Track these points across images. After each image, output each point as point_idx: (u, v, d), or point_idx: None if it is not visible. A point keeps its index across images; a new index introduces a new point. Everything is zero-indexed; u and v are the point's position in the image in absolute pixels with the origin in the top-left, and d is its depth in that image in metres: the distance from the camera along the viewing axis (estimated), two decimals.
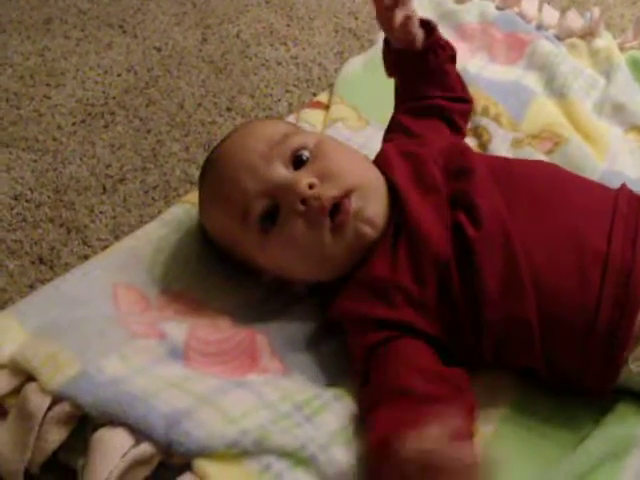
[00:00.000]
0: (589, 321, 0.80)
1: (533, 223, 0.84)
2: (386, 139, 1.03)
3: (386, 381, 0.79)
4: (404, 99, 1.06)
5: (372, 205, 0.86)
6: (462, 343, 0.83)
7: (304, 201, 0.83)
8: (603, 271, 0.80)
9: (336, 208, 0.84)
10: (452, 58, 1.07)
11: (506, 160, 1.04)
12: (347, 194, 0.84)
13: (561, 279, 0.81)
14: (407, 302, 0.83)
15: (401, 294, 0.83)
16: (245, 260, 0.91)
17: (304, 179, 0.84)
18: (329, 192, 0.84)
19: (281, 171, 0.86)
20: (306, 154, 0.87)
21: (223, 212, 0.89)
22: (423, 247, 0.84)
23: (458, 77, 1.08)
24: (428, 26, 1.03)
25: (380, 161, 0.94)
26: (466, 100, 1.08)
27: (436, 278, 0.83)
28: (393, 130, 1.04)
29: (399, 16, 0.97)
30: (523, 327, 0.81)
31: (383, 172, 0.91)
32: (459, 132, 1.05)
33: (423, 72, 1.03)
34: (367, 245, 0.86)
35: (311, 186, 0.84)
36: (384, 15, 0.99)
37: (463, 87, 1.08)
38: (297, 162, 0.87)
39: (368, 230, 0.85)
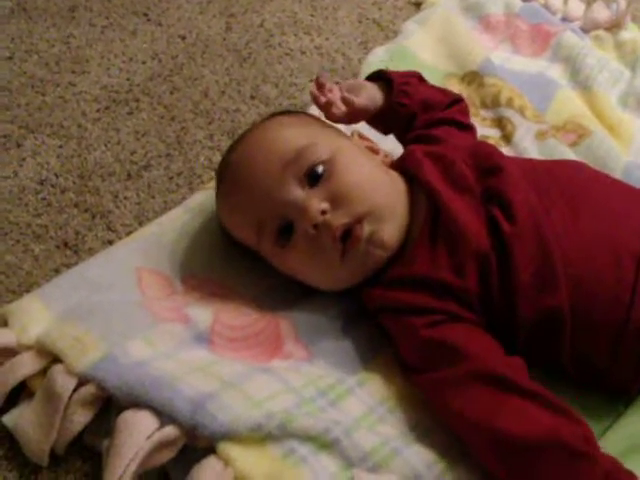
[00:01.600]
0: (622, 314, 0.80)
1: (566, 219, 0.84)
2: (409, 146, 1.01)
3: (473, 362, 0.78)
4: (406, 137, 1.04)
5: (386, 227, 0.86)
6: (497, 335, 0.83)
7: (316, 226, 0.84)
8: (637, 267, 0.80)
9: (348, 232, 0.84)
10: (418, 85, 1.05)
11: (534, 160, 1.04)
12: (359, 220, 0.84)
13: (595, 274, 0.81)
14: (450, 295, 0.83)
15: (444, 289, 0.83)
16: (263, 258, 0.92)
17: (316, 203, 0.84)
18: (340, 219, 0.84)
19: (294, 192, 0.85)
20: (320, 169, 0.86)
21: (239, 224, 0.91)
22: (462, 240, 0.84)
23: (436, 91, 1.07)
24: (381, 77, 1.03)
25: (407, 162, 0.93)
26: (457, 100, 1.07)
27: (477, 270, 0.83)
28: (406, 144, 1.02)
29: (335, 107, 0.96)
30: (555, 320, 0.81)
31: (411, 173, 0.91)
32: (470, 129, 1.05)
33: (408, 118, 1.02)
34: (380, 264, 0.87)
35: (323, 212, 0.84)
36: (331, 115, 0.97)
37: (445, 93, 1.07)
38: (311, 179, 0.86)
39: (380, 252, 0.86)
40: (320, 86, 0.97)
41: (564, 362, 0.83)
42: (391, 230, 0.86)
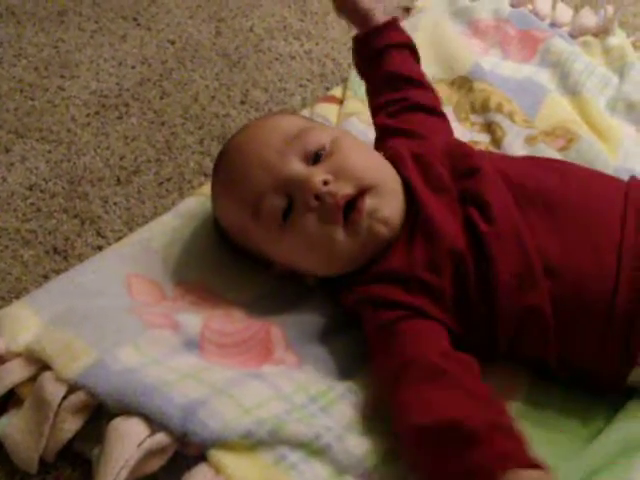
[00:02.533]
0: (606, 307, 0.80)
1: (544, 215, 0.85)
2: (379, 146, 1.02)
3: (414, 356, 0.78)
4: (378, 104, 1.06)
5: (388, 204, 0.86)
6: (477, 336, 0.83)
7: (318, 197, 0.83)
8: (618, 257, 0.81)
9: (350, 206, 0.84)
10: (406, 45, 1.07)
11: (510, 157, 1.05)
12: (362, 193, 0.85)
13: (576, 267, 0.81)
14: (423, 292, 0.83)
15: (418, 285, 0.83)
16: (256, 251, 0.91)
17: (318, 175, 0.84)
18: (344, 190, 0.84)
19: (295, 166, 0.86)
20: (322, 149, 0.87)
21: (235, 205, 0.89)
22: (438, 238, 0.84)
23: (414, 63, 1.08)
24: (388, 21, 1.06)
25: (392, 159, 0.94)
26: (429, 85, 1.08)
27: (452, 268, 0.83)
28: (384, 136, 1.03)
29: None
30: (537, 318, 0.81)
31: (398, 170, 0.91)
32: (441, 114, 1.06)
33: (378, 60, 1.05)
34: (381, 243, 0.86)
35: (326, 182, 0.84)
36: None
37: (422, 73, 1.08)
38: (313, 157, 0.87)
39: (383, 229, 0.85)
40: None
41: (550, 361, 0.83)
42: (393, 207, 0.86)
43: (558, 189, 0.87)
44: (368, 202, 0.85)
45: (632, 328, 0.80)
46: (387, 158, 0.94)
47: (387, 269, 0.85)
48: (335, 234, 0.84)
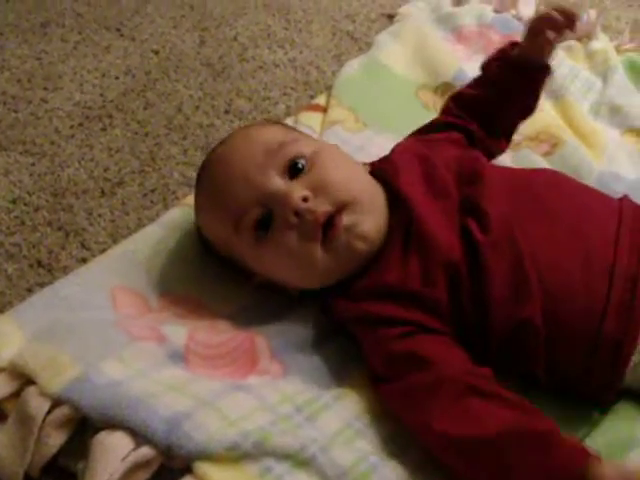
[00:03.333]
0: (595, 326, 0.80)
1: (541, 230, 0.84)
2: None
3: (442, 375, 0.78)
4: (464, 103, 1.03)
5: (366, 220, 0.86)
6: (469, 346, 0.83)
7: (297, 213, 0.83)
8: (610, 278, 0.81)
9: (329, 222, 0.84)
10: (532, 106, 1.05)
11: (513, 169, 1.04)
12: (340, 209, 0.84)
13: (568, 285, 0.81)
14: (418, 306, 0.83)
15: (412, 299, 0.83)
16: (239, 262, 0.91)
17: (298, 191, 0.84)
18: (323, 206, 0.84)
19: (275, 181, 0.85)
20: (302, 163, 0.87)
21: (217, 218, 0.89)
22: (433, 250, 0.84)
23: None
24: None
25: (386, 166, 0.94)
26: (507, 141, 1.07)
27: (446, 281, 0.83)
28: (425, 130, 1.03)
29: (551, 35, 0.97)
30: (528, 331, 0.81)
31: (388, 179, 0.91)
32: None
33: (522, 88, 1.02)
34: (360, 259, 0.86)
35: (305, 199, 0.83)
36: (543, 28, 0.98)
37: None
38: (292, 171, 0.86)
39: (360, 245, 0.85)
40: None
41: (538, 373, 0.83)
42: (371, 222, 0.86)
43: (557, 204, 0.88)
44: (345, 219, 0.84)
45: (620, 347, 0.80)
46: (381, 162, 0.94)
47: (382, 283, 0.85)
48: (314, 250, 0.84)
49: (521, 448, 0.72)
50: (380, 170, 0.93)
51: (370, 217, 0.86)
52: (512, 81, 1.01)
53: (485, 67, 1.05)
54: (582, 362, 0.81)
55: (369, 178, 0.91)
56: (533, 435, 0.72)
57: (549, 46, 1.00)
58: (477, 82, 1.05)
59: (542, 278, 0.81)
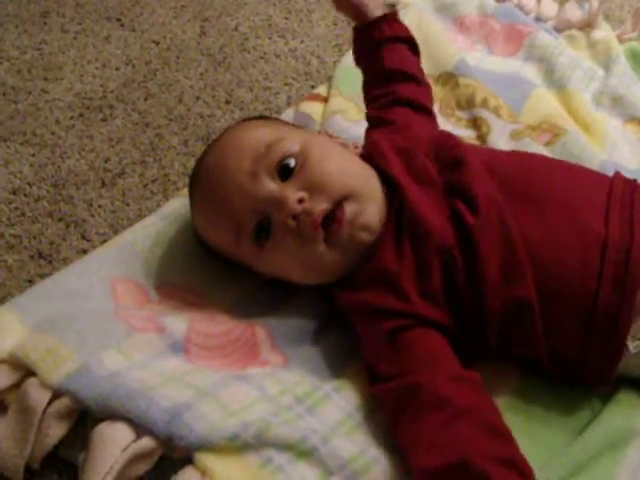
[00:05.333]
0: (590, 301, 0.80)
1: (530, 210, 0.84)
2: (366, 138, 1.02)
3: (423, 381, 0.77)
4: (370, 97, 1.08)
5: (367, 209, 0.85)
6: (468, 333, 0.83)
7: (295, 217, 0.83)
8: (602, 250, 0.81)
9: (329, 217, 0.83)
10: (405, 40, 1.08)
11: (495, 151, 1.05)
12: (339, 203, 0.84)
13: (560, 260, 0.81)
14: (416, 293, 0.82)
15: (410, 286, 0.83)
16: (242, 264, 0.91)
17: (292, 194, 0.83)
18: (320, 205, 0.83)
19: (269, 186, 0.84)
20: (292, 162, 0.85)
21: (216, 229, 0.89)
22: (426, 236, 0.84)
23: (410, 57, 1.09)
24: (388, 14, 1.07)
25: (373, 154, 0.93)
26: (426, 84, 1.09)
27: (441, 267, 0.83)
28: (373, 127, 1.04)
29: None
30: (524, 310, 0.81)
31: (377, 165, 0.90)
32: (430, 113, 1.06)
33: (374, 50, 1.06)
34: (365, 250, 0.86)
35: (301, 200, 0.83)
36: None
37: (418, 67, 1.09)
38: (284, 172, 0.85)
39: (365, 236, 0.85)
40: None
41: (540, 355, 0.83)
42: (373, 211, 0.85)
43: (543, 182, 0.87)
44: (348, 210, 0.84)
45: (616, 322, 0.80)
46: (368, 152, 0.94)
47: (378, 268, 0.84)
48: (317, 250, 0.84)
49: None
50: (369, 156, 0.93)
51: (371, 204, 0.86)
52: (364, 43, 1.08)
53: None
54: (579, 341, 0.81)
55: (362, 164, 0.91)
56: (473, 469, 0.69)
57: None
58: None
59: (534, 255, 0.81)
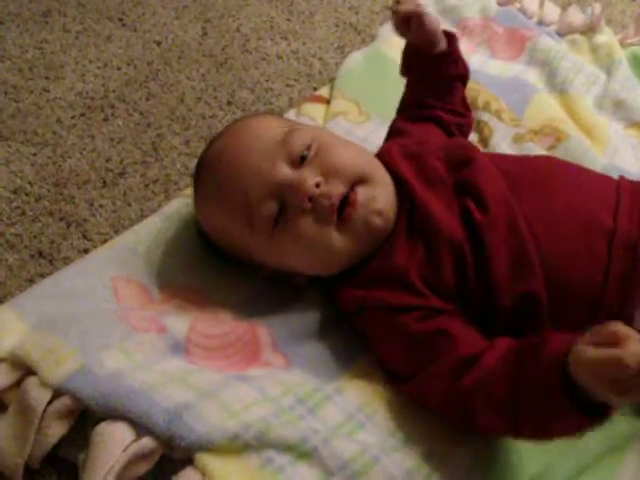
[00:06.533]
0: (597, 296, 0.81)
1: (538, 205, 0.85)
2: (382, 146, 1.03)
3: (464, 354, 0.78)
4: (407, 105, 1.08)
5: (381, 195, 0.86)
6: (476, 325, 0.83)
7: (311, 199, 0.83)
8: (609, 246, 0.82)
9: (343, 202, 0.84)
10: (463, 77, 1.08)
11: (505, 154, 1.07)
12: (353, 187, 0.85)
13: (568, 255, 0.82)
14: (429, 289, 0.83)
15: (422, 282, 0.83)
16: (246, 257, 0.90)
17: (310, 178, 0.84)
18: (336, 189, 0.84)
19: (285, 170, 0.85)
20: (307, 150, 0.86)
21: (226, 216, 0.88)
22: (437, 233, 0.84)
23: (463, 96, 1.09)
24: (451, 38, 1.06)
25: (383, 157, 0.94)
26: (466, 116, 1.08)
27: (453, 263, 0.83)
28: (391, 135, 1.05)
29: (408, 9, 1.00)
30: (533, 304, 0.81)
31: (387, 168, 0.91)
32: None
33: (432, 78, 1.05)
34: (378, 237, 0.86)
35: (317, 184, 0.83)
36: (398, 20, 1.02)
37: (465, 106, 1.09)
38: (300, 160, 0.86)
39: (378, 221, 0.85)
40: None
41: None
42: (386, 197, 0.87)
43: (551, 179, 0.88)
44: (361, 193, 0.85)
45: (622, 318, 0.79)
46: (378, 157, 0.94)
47: (390, 267, 0.85)
48: (331, 233, 0.84)
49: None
50: (378, 157, 0.94)
51: (383, 190, 0.87)
52: (422, 65, 1.06)
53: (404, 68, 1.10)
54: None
55: (374, 157, 0.92)
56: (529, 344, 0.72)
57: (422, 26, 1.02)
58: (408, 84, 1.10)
59: (542, 251, 0.82)
